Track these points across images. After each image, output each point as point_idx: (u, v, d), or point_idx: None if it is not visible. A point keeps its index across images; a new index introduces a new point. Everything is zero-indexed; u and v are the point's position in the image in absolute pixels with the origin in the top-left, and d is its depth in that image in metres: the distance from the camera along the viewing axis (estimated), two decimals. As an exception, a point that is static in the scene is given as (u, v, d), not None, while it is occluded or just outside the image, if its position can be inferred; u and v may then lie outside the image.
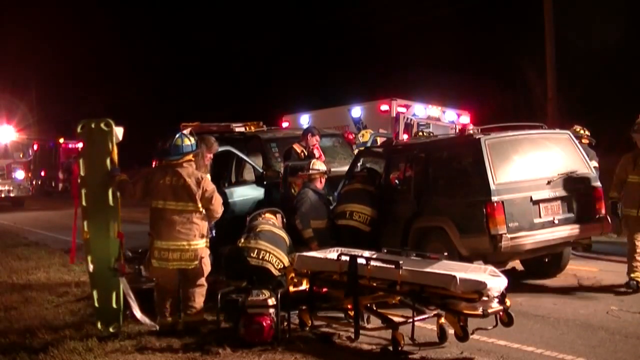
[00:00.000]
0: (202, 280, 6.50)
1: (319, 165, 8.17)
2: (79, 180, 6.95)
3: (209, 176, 6.97)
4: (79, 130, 6.92)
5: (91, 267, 6.73)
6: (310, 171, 8.06)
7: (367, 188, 8.24)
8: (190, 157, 6.53)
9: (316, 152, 9.05)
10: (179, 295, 6.62)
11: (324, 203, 8.10)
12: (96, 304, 6.74)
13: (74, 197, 7.11)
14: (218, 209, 6.50)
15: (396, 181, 8.66)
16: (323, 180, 8.11)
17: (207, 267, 6.52)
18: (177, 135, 6.56)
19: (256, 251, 6.62)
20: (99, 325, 6.60)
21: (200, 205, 6.36)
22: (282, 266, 6.64)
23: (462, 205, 7.49)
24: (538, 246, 7.47)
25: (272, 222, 7.13)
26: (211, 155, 7.61)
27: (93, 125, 6.80)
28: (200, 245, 6.41)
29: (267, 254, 6.61)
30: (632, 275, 7.66)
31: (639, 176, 7.63)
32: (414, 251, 6.69)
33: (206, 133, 10.37)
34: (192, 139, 6.59)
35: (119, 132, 6.78)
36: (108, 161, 6.65)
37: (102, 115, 7.14)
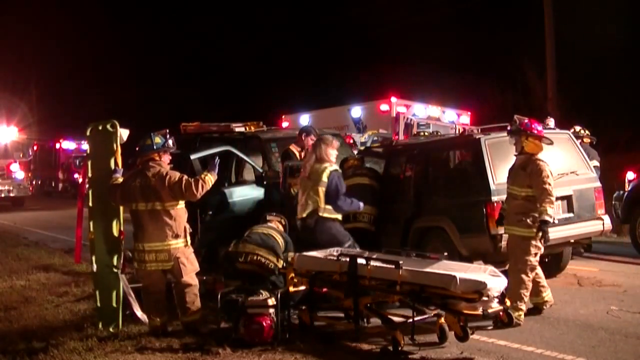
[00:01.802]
0: (189, 279, 6.40)
1: None
2: (87, 181, 7.07)
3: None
4: (87, 133, 7.06)
5: (95, 267, 6.80)
6: None
7: (365, 182, 8.14)
8: (152, 156, 6.45)
9: None
10: (166, 297, 6.59)
11: None
12: (98, 304, 6.78)
13: (78, 198, 7.20)
14: (194, 191, 6.18)
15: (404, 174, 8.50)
16: None
17: (188, 266, 6.38)
18: (147, 135, 6.57)
19: (244, 255, 6.65)
20: (99, 325, 6.62)
21: (167, 203, 6.28)
22: (272, 266, 6.64)
23: (462, 205, 7.49)
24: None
25: (270, 225, 7.14)
26: (335, 152, 7.16)
27: (100, 127, 6.92)
28: (175, 245, 6.31)
29: (255, 256, 6.62)
30: (517, 314, 6.41)
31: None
32: (414, 251, 6.69)
33: (206, 133, 10.42)
34: (161, 137, 6.53)
35: (124, 133, 6.87)
36: (112, 162, 6.73)
37: (102, 116, 7.23)
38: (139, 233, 6.38)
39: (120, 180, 6.54)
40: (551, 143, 6.85)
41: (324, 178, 6.80)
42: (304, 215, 6.94)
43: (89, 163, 7.05)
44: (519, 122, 6.73)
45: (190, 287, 6.41)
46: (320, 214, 6.82)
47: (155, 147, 6.45)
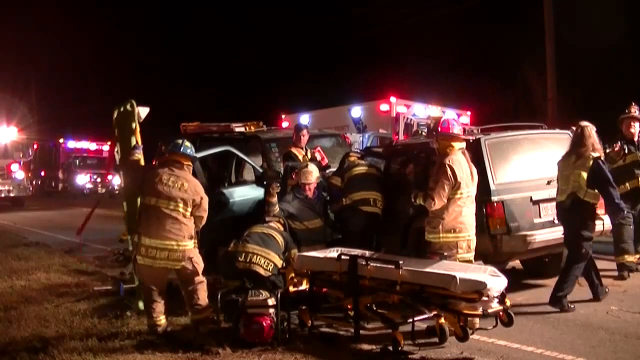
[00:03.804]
0: (200, 277, 6.49)
1: (309, 177, 7.97)
2: (117, 164, 7.54)
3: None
4: (114, 117, 7.40)
5: (130, 246, 7.09)
6: (302, 180, 7.98)
7: (373, 172, 8.30)
8: (190, 162, 6.58)
9: (318, 156, 8.98)
10: (167, 297, 6.61)
11: (308, 207, 7.99)
12: (136, 282, 6.99)
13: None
14: (203, 221, 6.61)
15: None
16: (312, 188, 8.03)
17: (199, 265, 6.51)
18: (184, 139, 6.76)
19: (243, 254, 6.65)
20: (138, 304, 6.91)
21: (189, 209, 6.39)
22: (272, 266, 6.65)
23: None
24: (538, 246, 7.47)
25: (269, 224, 7.14)
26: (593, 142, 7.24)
27: (122, 109, 7.22)
28: (189, 246, 6.41)
29: (255, 256, 6.62)
30: None
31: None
32: (413, 251, 6.69)
33: (206, 133, 10.42)
34: (192, 147, 6.72)
35: (142, 111, 7.09)
36: (133, 140, 6.93)
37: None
38: (152, 229, 6.33)
39: (140, 157, 6.67)
40: (464, 141, 6.69)
41: (589, 164, 6.93)
42: (563, 197, 7.05)
43: (118, 145, 7.33)
44: (433, 123, 6.69)
45: (203, 284, 6.50)
46: (581, 196, 6.94)
47: (187, 150, 6.57)
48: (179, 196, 6.34)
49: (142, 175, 6.58)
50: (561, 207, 7.09)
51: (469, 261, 6.37)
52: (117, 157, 7.56)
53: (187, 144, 6.63)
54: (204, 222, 6.60)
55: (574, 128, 10.18)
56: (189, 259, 6.38)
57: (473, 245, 6.48)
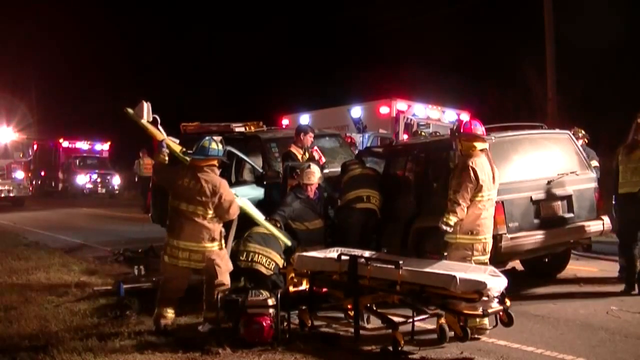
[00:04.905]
0: (223, 279, 6.45)
1: (312, 178, 7.98)
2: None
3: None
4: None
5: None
6: (304, 180, 7.98)
7: (370, 173, 8.36)
8: (214, 162, 6.54)
9: (316, 155, 8.98)
10: (179, 296, 6.63)
11: (309, 207, 8.00)
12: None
13: None
14: (233, 216, 6.61)
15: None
16: (313, 189, 8.03)
17: (223, 267, 6.46)
18: (206, 138, 6.66)
19: (245, 254, 6.67)
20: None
21: (210, 212, 6.38)
22: (274, 265, 6.65)
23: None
24: (538, 246, 7.47)
25: (269, 225, 7.15)
26: None
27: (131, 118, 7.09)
28: (210, 247, 6.41)
29: (257, 255, 6.64)
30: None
31: None
32: (413, 251, 6.69)
33: (206, 133, 10.41)
34: (220, 145, 6.62)
35: (138, 110, 6.94)
36: (161, 136, 6.89)
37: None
38: (176, 230, 6.44)
39: (165, 157, 6.63)
40: (486, 141, 6.64)
41: None
42: (636, 190, 7.53)
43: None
44: (456, 124, 6.70)
45: (223, 287, 6.47)
46: None
47: (213, 152, 6.52)
48: (197, 199, 6.37)
49: (166, 176, 6.61)
50: (634, 197, 7.55)
51: (484, 263, 6.29)
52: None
53: (206, 144, 6.53)
54: (228, 217, 6.55)
55: (578, 129, 10.24)
56: (210, 260, 6.39)
57: (489, 248, 6.44)
